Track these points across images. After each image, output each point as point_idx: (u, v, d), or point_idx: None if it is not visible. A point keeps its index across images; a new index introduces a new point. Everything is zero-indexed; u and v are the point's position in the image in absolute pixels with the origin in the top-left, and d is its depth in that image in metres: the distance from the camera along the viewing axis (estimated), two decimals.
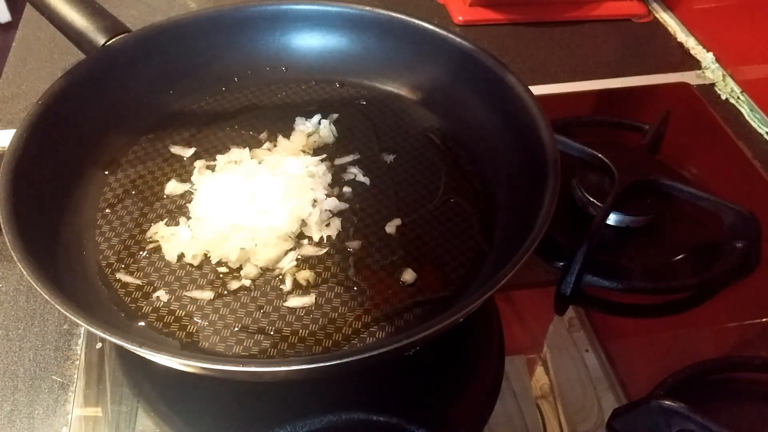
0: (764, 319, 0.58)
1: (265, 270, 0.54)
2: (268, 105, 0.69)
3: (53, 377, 0.52)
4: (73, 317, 0.41)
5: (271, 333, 0.50)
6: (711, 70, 0.85)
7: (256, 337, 0.50)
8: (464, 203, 0.59)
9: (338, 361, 0.40)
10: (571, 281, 0.56)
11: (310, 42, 0.71)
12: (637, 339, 0.58)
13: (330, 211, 0.58)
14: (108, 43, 0.63)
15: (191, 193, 0.59)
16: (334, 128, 0.66)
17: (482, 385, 0.53)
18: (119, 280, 0.52)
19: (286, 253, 0.54)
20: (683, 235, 0.62)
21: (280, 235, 0.55)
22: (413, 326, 0.45)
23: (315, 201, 0.58)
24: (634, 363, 0.56)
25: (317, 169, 0.61)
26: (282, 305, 0.52)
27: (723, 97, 0.82)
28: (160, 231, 0.56)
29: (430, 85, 0.69)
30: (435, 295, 0.52)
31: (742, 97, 0.82)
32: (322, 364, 0.40)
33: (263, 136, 0.65)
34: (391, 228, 0.57)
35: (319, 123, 0.66)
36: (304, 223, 0.56)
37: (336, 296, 0.52)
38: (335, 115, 0.67)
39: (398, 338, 0.41)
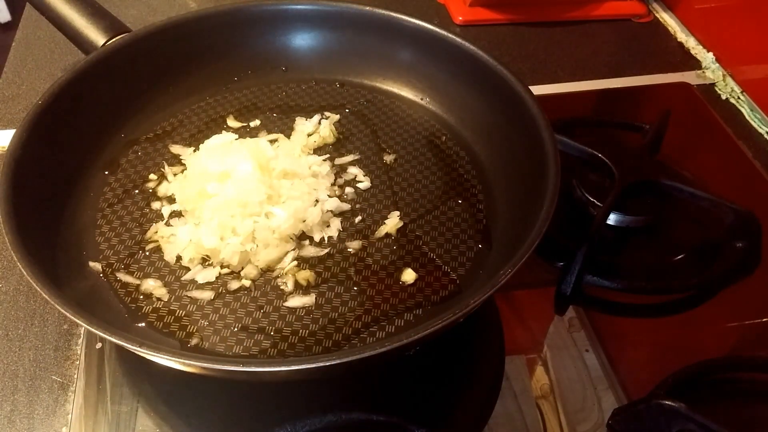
0: (764, 319, 0.58)
1: (265, 270, 0.54)
2: (268, 105, 0.69)
3: (53, 377, 0.52)
4: (73, 317, 0.41)
5: (271, 333, 0.50)
6: (711, 70, 0.85)
7: (256, 337, 0.49)
8: (464, 203, 0.59)
9: (338, 361, 0.40)
10: (571, 281, 0.56)
11: (310, 42, 0.71)
12: (637, 339, 0.58)
13: (331, 211, 0.58)
14: (108, 43, 0.64)
15: (190, 195, 0.59)
16: (334, 128, 0.66)
17: (482, 385, 0.53)
18: (119, 280, 0.52)
19: (286, 253, 0.54)
20: (683, 235, 0.62)
21: (282, 237, 0.55)
22: (413, 326, 0.45)
23: (317, 201, 0.58)
24: (634, 363, 0.56)
25: (321, 168, 0.61)
26: (282, 305, 0.52)
27: (723, 97, 0.82)
28: (160, 231, 0.56)
29: (430, 85, 0.69)
30: (435, 295, 0.52)
31: (742, 97, 0.82)
32: (322, 364, 0.40)
33: (263, 136, 0.65)
34: (391, 228, 0.57)
35: (319, 123, 0.66)
36: (305, 223, 0.56)
37: (336, 296, 0.52)
38: (335, 115, 0.67)
39: (398, 338, 0.41)
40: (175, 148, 0.63)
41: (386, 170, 0.63)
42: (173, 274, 0.53)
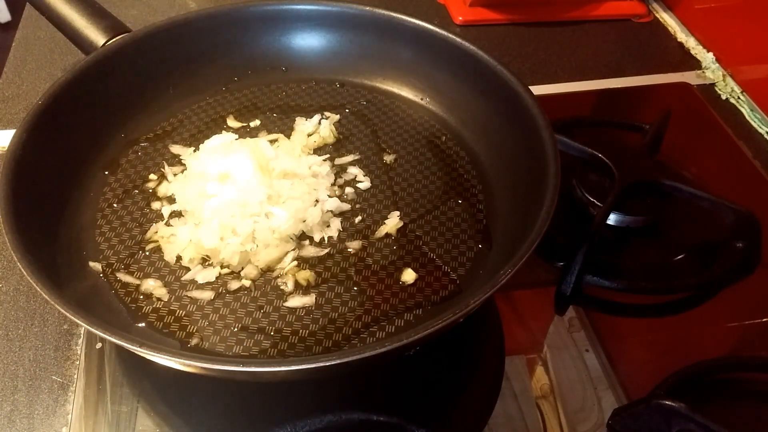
0: (764, 319, 0.58)
1: (265, 270, 0.54)
2: (268, 105, 0.69)
3: (53, 377, 0.52)
4: (73, 317, 0.41)
5: (271, 333, 0.50)
6: (711, 70, 0.85)
7: (256, 337, 0.49)
8: (464, 203, 0.59)
9: (338, 361, 0.40)
10: (571, 281, 0.56)
11: (310, 42, 0.71)
12: (637, 339, 0.58)
13: (331, 211, 0.58)
14: (108, 43, 0.64)
15: (190, 195, 0.59)
16: (334, 128, 0.66)
17: (482, 385, 0.53)
18: (119, 280, 0.52)
19: (286, 253, 0.54)
20: (683, 235, 0.62)
21: (282, 237, 0.55)
22: (413, 326, 0.45)
23: (317, 202, 0.58)
24: (634, 363, 0.56)
25: (321, 169, 0.61)
26: (282, 305, 0.52)
27: (723, 97, 0.82)
28: (160, 231, 0.56)
29: (430, 85, 0.69)
30: (435, 295, 0.52)
31: (742, 97, 0.82)
32: (322, 364, 0.40)
33: (263, 136, 0.65)
34: (391, 228, 0.57)
35: (320, 123, 0.66)
36: (305, 224, 0.56)
37: (336, 296, 0.52)
38: (335, 115, 0.67)
39: (398, 338, 0.41)
40: (175, 148, 0.63)
41: (386, 170, 0.63)
42: (173, 274, 0.53)
